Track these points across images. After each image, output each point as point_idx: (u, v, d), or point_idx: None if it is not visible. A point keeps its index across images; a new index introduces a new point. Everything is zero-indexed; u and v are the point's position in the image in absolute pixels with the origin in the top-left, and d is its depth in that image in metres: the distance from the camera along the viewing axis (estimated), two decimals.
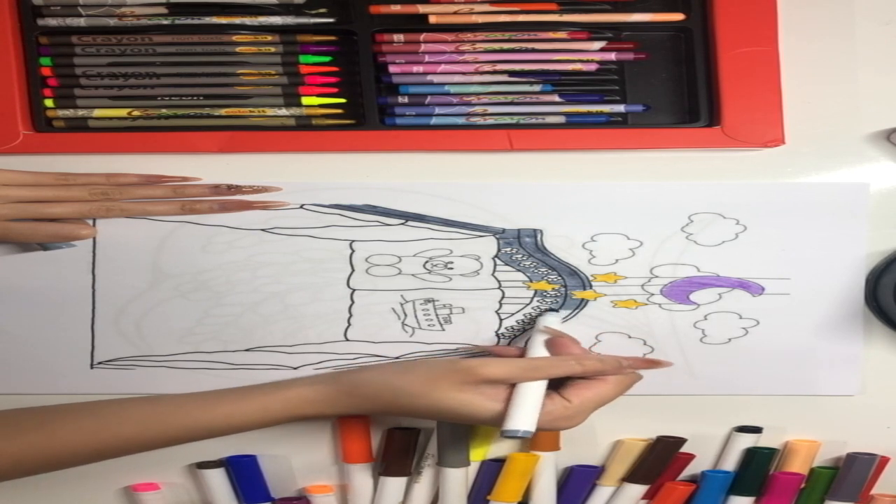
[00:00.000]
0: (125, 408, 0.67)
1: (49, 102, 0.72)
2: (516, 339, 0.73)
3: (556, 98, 0.72)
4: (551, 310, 0.72)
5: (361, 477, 0.73)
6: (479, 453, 0.73)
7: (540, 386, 0.65)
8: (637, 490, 0.73)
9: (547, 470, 0.72)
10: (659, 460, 0.72)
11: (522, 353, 0.69)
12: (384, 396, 0.65)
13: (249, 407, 0.66)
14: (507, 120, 0.72)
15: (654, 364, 0.68)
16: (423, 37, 0.72)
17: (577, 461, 0.73)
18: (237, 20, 0.71)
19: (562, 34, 0.72)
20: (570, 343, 0.68)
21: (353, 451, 0.72)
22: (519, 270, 0.73)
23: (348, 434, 0.72)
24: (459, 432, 0.71)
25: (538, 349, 0.68)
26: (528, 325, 0.73)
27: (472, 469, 0.73)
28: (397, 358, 0.73)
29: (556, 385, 0.66)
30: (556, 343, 0.68)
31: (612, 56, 0.72)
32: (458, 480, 0.72)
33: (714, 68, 0.71)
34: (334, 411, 0.67)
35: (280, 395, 0.66)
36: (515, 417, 0.63)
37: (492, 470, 0.73)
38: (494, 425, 0.65)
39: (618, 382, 0.66)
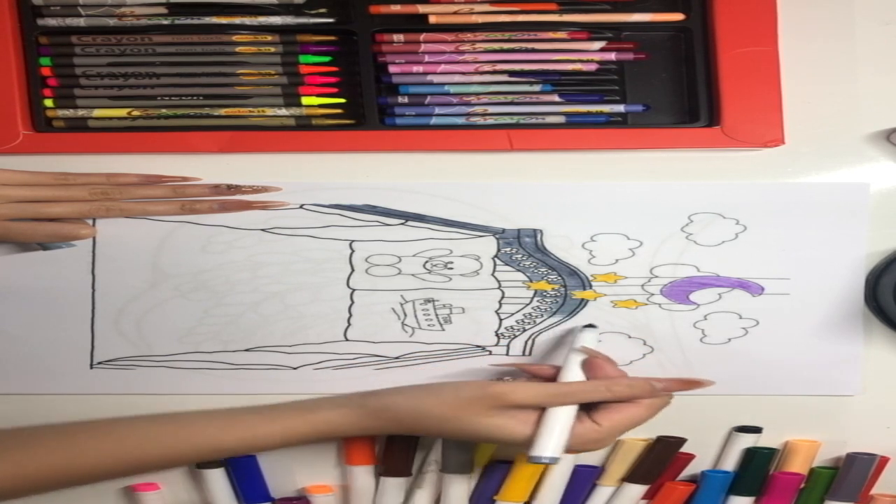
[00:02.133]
0: (147, 429, 0.66)
1: (49, 102, 0.72)
2: (516, 338, 0.73)
3: (556, 98, 0.72)
4: (590, 325, 0.71)
5: (363, 478, 0.73)
6: (482, 459, 0.73)
7: (570, 411, 0.64)
8: (637, 490, 0.73)
9: (560, 471, 0.72)
10: (659, 460, 0.72)
11: (556, 372, 0.68)
12: (411, 419, 0.65)
13: (273, 429, 0.66)
14: (507, 120, 0.72)
15: (692, 384, 0.67)
16: (423, 37, 0.72)
17: (577, 461, 0.73)
18: (237, 20, 0.71)
19: (562, 34, 0.72)
20: (606, 365, 0.67)
21: (355, 452, 0.72)
22: (519, 270, 0.73)
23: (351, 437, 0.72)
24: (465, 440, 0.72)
25: (573, 370, 0.67)
26: (528, 325, 0.73)
27: (476, 470, 0.73)
28: (397, 358, 0.73)
29: (588, 407, 0.65)
30: (591, 365, 0.67)
31: (612, 56, 0.72)
32: (461, 487, 0.72)
33: (714, 68, 0.71)
34: (360, 433, 0.67)
35: (305, 418, 0.66)
36: (543, 444, 0.63)
37: (498, 471, 0.73)
38: (523, 448, 0.65)
39: (650, 406, 0.65)
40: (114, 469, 0.66)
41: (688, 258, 0.72)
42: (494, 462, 0.73)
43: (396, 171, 0.72)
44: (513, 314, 0.73)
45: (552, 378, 0.68)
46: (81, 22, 0.71)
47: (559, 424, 0.64)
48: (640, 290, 0.72)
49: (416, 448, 0.73)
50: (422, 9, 0.71)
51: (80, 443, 0.65)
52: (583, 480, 0.73)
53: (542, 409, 0.64)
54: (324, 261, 0.72)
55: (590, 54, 0.72)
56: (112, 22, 0.71)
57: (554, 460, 0.63)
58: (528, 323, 0.73)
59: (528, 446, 0.64)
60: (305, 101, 0.72)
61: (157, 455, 0.66)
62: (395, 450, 0.72)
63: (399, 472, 0.72)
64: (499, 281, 0.73)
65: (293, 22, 0.71)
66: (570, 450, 0.64)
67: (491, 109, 0.72)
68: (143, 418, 0.68)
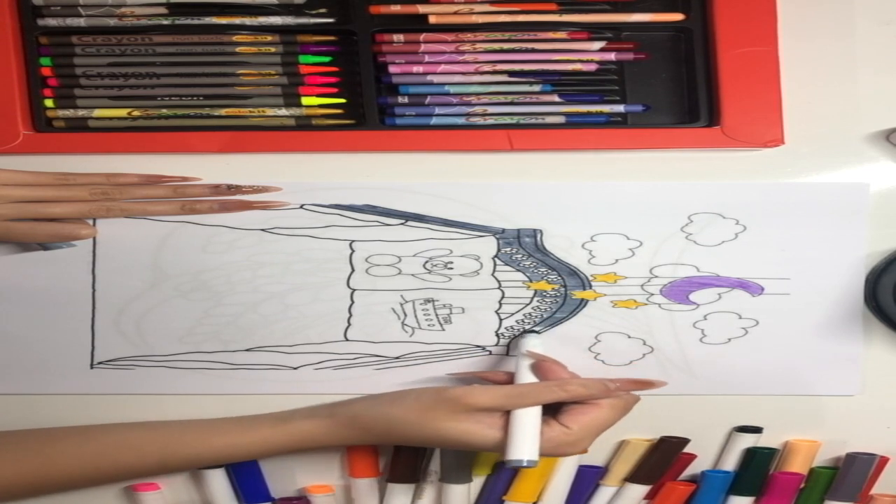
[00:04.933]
0: (125, 436, 0.67)
1: (49, 102, 0.72)
2: (514, 340, 0.73)
3: (556, 98, 0.72)
4: (532, 331, 0.72)
5: (366, 490, 0.73)
6: (483, 469, 0.73)
7: (534, 413, 0.65)
8: (639, 490, 0.73)
9: (566, 471, 0.72)
10: (662, 461, 0.72)
11: (509, 378, 0.69)
12: (382, 427, 0.66)
13: (251, 438, 0.67)
14: (507, 120, 0.72)
15: (644, 385, 0.68)
16: (423, 37, 0.72)
17: (580, 461, 0.73)
18: (237, 20, 0.71)
19: (562, 34, 0.72)
20: (555, 367, 0.68)
21: (358, 464, 0.72)
22: (519, 270, 0.73)
23: (355, 447, 0.72)
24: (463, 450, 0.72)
25: (525, 374, 0.68)
26: (528, 325, 0.73)
27: (475, 479, 0.74)
28: (397, 358, 0.73)
29: (554, 411, 0.66)
30: (541, 368, 0.68)
31: (612, 56, 0.72)
32: (461, 496, 0.72)
33: (714, 68, 0.71)
34: (335, 443, 0.68)
35: (282, 429, 0.67)
36: (516, 447, 0.64)
37: (507, 471, 0.73)
38: (496, 452, 0.65)
39: (612, 406, 0.66)
40: (90, 475, 0.66)
41: (688, 258, 0.72)
42: (503, 462, 0.73)
43: (396, 171, 0.72)
44: (513, 314, 0.73)
45: (506, 383, 0.68)
46: (82, 22, 0.71)
47: (527, 427, 0.64)
48: (640, 290, 0.72)
49: (423, 454, 0.73)
50: (422, 9, 0.71)
51: (59, 445, 0.65)
52: (587, 480, 0.73)
53: (506, 414, 0.65)
54: (324, 261, 0.72)
55: (590, 54, 0.72)
56: (112, 22, 0.71)
57: (532, 463, 0.63)
58: (528, 323, 0.73)
59: (501, 450, 0.64)
60: (305, 101, 0.72)
61: (132, 461, 0.66)
62: (402, 457, 0.72)
63: (405, 477, 0.72)
64: (499, 281, 0.73)
65: (293, 22, 0.71)
66: (546, 454, 0.65)
67: (491, 109, 0.72)
68: (120, 425, 0.68)
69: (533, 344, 0.70)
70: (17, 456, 0.65)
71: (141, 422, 0.70)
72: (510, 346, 0.73)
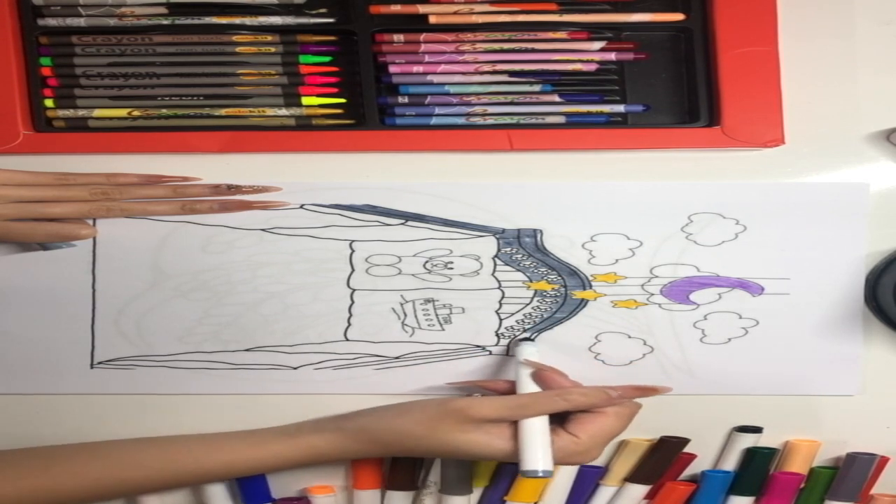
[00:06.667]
0: (130, 452, 0.67)
1: (49, 102, 0.72)
2: (513, 342, 0.73)
3: (556, 98, 0.72)
4: (527, 339, 0.72)
5: (370, 500, 0.73)
6: (482, 481, 0.73)
7: (542, 423, 0.65)
8: (639, 490, 0.73)
9: (567, 472, 0.72)
10: (662, 460, 0.72)
11: (509, 386, 0.69)
12: (390, 439, 0.66)
13: (258, 453, 0.67)
14: (507, 120, 0.72)
15: (647, 391, 0.68)
16: (423, 37, 0.72)
17: None
18: (237, 20, 0.71)
19: (562, 34, 0.72)
20: (555, 376, 0.68)
21: (362, 476, 0.73)
22: (519, 270, 0.73)
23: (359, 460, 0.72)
24: (463, 461, 0.71)
25: (526, 383, 0.68)
26: (528, 325, 0.73)
27: (474, 491, 0.74)
28: (397, 358, 0.73)
29: (561, 420, 0.66)
30: (541, 377, 0.68)
31: (612, 56, 0.72)
32: None
33: (714, 68, 0.71)
34: (344, 456, 0.67)
35: (289, 443, 0.67)
36: (531, 457, 0.63)
37: (509, 476, 0.73)
38: (508, 462, 0.65)
39: (618, 414, 0.66)
40: (95, 493, 0.66)
41: (688, 258, 0.72)
42: (504, 463, 0.73)
43: (396, 171, 0.72)
44: (513, 314, 0.73)
45: (507, 392, 0.69)
46: (82, 22, 0.71)
47: (537, 437, 0.64)
48: (640, 290, 0.72)
49: (422, 463, 0.73)
50: (422, 9, 0.71)
51: (63, 463, 0.65)
52: (587, 480, 0.73)
53: (513, 424, 0.65)
54: (324, 261, 0.72)
55: (590, 54, 0.72)
56: (112, 22, 0.71)
57: (548, 473, 0.63)
58: (528, 323, 0.73)
59: (513, 461, 0.64)
60: (305, 101, 0.72)
61: (140, 478, 0.66)
62: (400, 465, 0.72)
63: (403, 486, 0.72)
64: (499, 281, 0.73)
65: (293, 22, 0.71)
66: (558, 463, 0.65)
67: (491, 109, 0.72)
68: (126, 441, 0.68)
69: (529, 352, 0.70)
70: (20, 473, 0.64)
71: (146, 438, 0.69)
72: (510, 346, 0.73)
